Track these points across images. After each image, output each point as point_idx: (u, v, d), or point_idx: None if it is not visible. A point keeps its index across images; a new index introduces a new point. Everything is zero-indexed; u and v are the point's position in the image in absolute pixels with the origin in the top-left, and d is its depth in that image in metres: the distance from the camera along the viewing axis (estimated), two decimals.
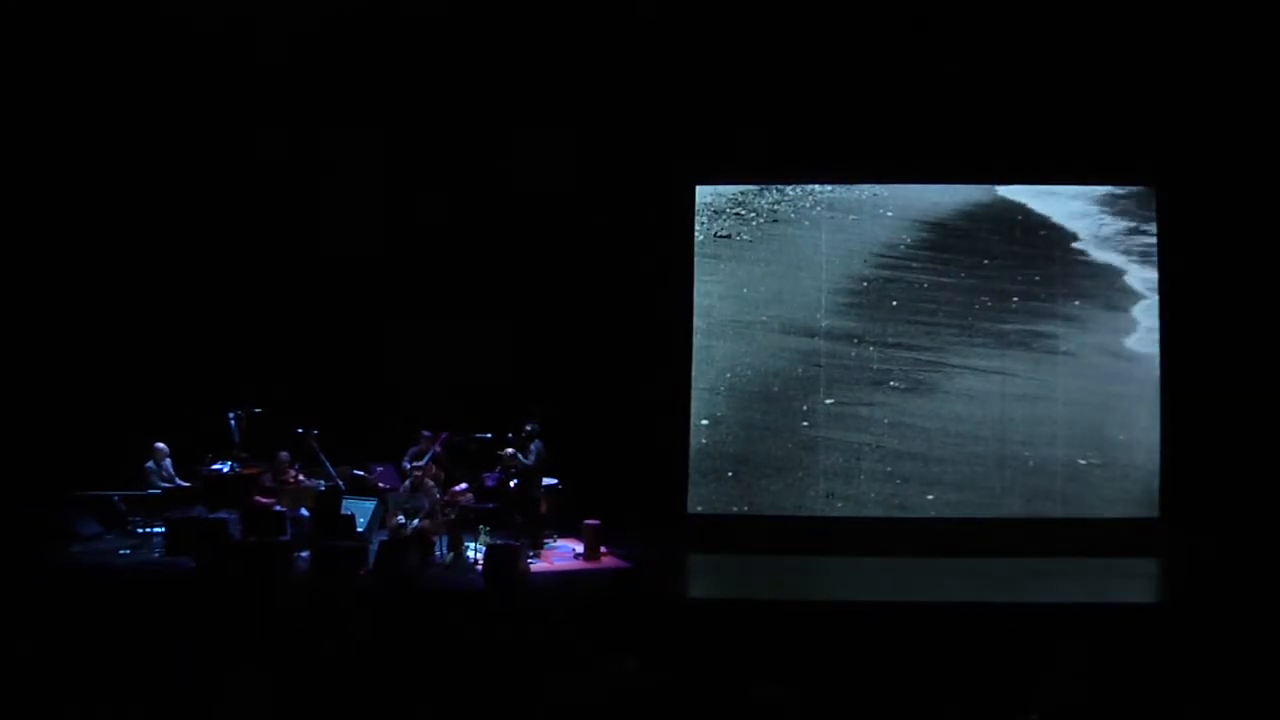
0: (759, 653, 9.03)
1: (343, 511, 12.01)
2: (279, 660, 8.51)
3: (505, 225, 14.05)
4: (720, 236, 14.07)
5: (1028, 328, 13.72)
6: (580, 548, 12.47)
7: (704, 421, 13.82)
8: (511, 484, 12.31)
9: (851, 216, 13.96)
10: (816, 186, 14.00)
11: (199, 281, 14.08)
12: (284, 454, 12.65)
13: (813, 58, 13.32)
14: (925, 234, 13.91)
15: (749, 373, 13.86)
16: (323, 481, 12.64)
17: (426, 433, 12.97)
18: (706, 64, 13.41)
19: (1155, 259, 13.63)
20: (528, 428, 12.46)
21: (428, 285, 14.12)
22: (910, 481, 13.60)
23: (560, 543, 12.88)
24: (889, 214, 13.94)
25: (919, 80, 13.32)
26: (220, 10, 13.05)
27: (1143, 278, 13.66)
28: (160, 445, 12.78)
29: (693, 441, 13.79)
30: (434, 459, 12.80)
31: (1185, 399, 13.31)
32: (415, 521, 11.79)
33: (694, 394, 13.83)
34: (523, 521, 12.14)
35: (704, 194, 14.09)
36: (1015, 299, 13.76)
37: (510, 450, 12.38)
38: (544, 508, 12.71)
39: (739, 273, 14.00)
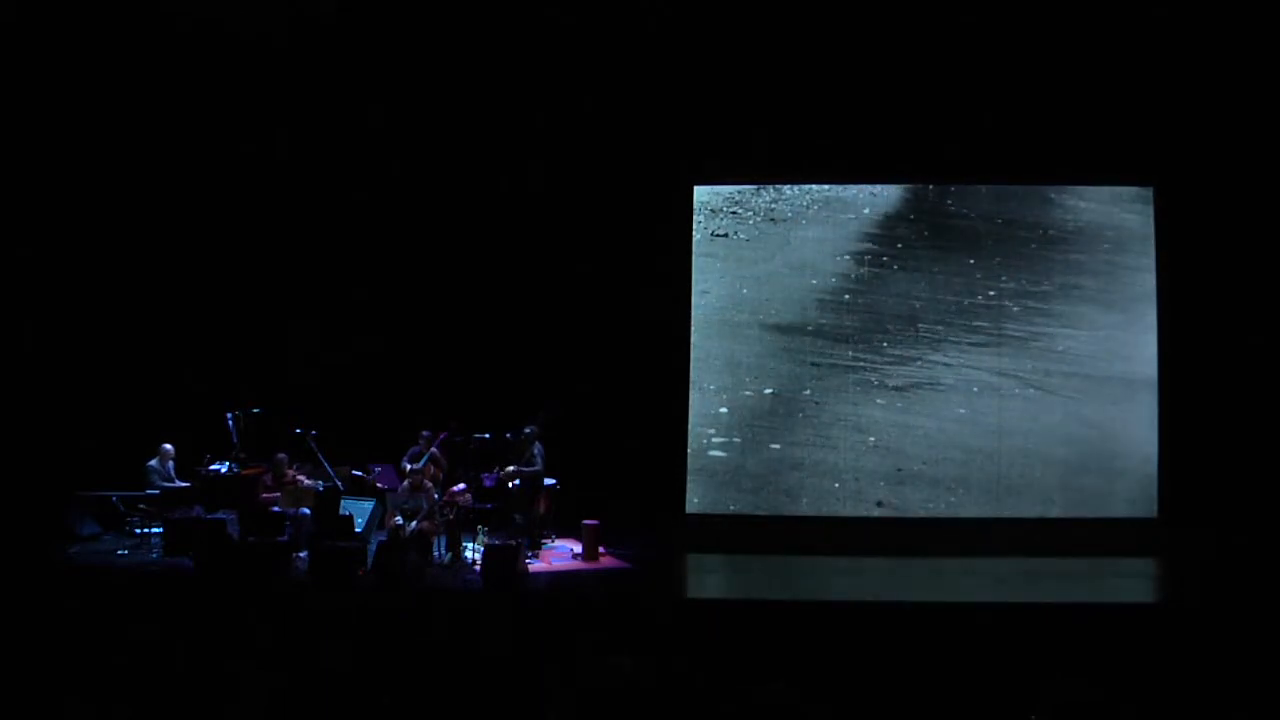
0: (758, 653, 9.02)
1: (341, 512, 12.00)
2: (277, 660, 8.50)
3: (505, 225, 14.04)
4: (718, 235, 14.06)
5: (1026, 326, 13.70)
6: (579, 548, 12.45)
7: (702, 421, 13.81)
8: (512, 484, 12.32)
9: (848, 215, 13.98)
10: (813, 186, 14.00)
11: (198, 281, 14.08)
12: (282, 454, 12.64)
13: (811, 58, 13.31)
14: (922, 231, 13.91)
15: (747, 372, 13.85)
16: (321, 482, 12.63)
17: (425, 433, 12.96)
18: (705, 65, 13.40)
19: (1154, 258, 13.62)
20: (526, 430, 12.43)
21: (427, 285, 14.12)
22: (909, 481, 13.58)
23: (559, 543, 12.87)
24: (884, 211, 13.97)
25: (917, 80, 13.31)
26: (218, 10, 13.05)
27: (1141, 277, 13.66)
28: (167, 446, 12.82)
29: (691, 441, 13.78)
30: (432, 459, 12.79)
31: (1184, 398, 13.30)
32: (414, 523, 11.77)
33: (692, 393, 13.83)
34: (521, 521, 12.13)
35: (701, 194, 14.08)
36: (1013, 298, 13.74)
37: (513, 468, 12.35)
38: (544, 507, 12.70)
39: (736, 272, 14.00)
